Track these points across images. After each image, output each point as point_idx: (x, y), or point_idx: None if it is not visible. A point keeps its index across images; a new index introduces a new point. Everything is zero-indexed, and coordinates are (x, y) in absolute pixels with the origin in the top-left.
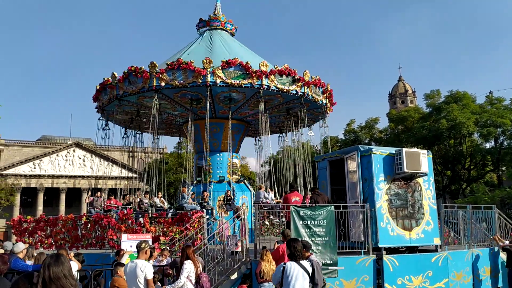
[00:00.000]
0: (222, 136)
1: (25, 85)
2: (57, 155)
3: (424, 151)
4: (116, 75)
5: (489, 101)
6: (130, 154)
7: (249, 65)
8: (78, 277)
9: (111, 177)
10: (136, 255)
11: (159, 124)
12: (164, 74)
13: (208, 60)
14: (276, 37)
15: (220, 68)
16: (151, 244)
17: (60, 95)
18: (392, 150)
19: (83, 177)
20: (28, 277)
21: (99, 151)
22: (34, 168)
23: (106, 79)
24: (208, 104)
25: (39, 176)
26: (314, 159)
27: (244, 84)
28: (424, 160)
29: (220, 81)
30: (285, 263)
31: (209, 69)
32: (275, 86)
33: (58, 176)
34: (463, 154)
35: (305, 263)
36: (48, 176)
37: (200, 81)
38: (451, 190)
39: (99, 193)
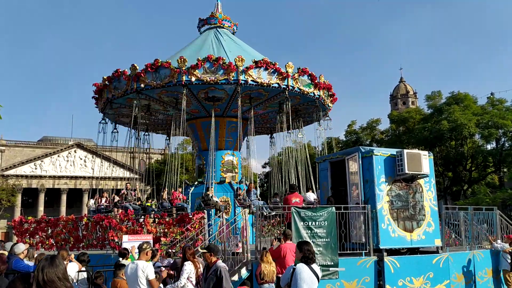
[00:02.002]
0: (237, 135)
1: (26, 86)
2: (58, 156)
3: (425, 152)
4: (175, 61)
5: (490, 102)
6: (132, 154)
7: (315, 75)
8: (80, 278)
9: (112, 178)
10: (137, 256)
11: (160, 123)
12: (251, 70)
13: (290, 65)
14: (276, 37)
15: (297, 74)
16: (152, 245)
17: (61, 96)
18: (393, 151)
19: (84, 177)
20: (25, 277)
21: (100, 152)
22: (35, 168)
23: (158, 60)
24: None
25: (40, 177)
26: (315, 160)
27: (309, 92)
28: (425, 161)
29: (297, 87)
30: (295, 265)
31: (290, 74)
32: (323, 99)
33: (59, 177)
34: (465, 155)
35: (315, 267)
36: (49, 176)
37: (284, 84)
38: (452, 192)
39: (128, 185)
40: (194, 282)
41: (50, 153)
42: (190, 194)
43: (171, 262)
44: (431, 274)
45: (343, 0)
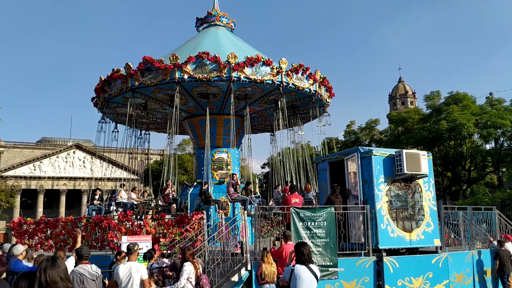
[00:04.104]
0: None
1: (25, 87)
2: (57, 157)
3: (424, 152)
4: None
5: (489, 102)
6: (131, 155)
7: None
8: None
9: (111, 179)
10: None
11: (159, 122)
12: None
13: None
14: (275, 38)
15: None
16: (150, 246)
17: (60, 97)
18: (392, 151)
19: (83, 178)
20: (29, 275)
21: (99, 153)
22: (34, 169)
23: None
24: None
25: (39, 178)
26: (314, 160)
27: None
28: (424, 161)
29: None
30: (293, 266)
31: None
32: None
33: (58, 178)
34: (463, 155)
35: (314, 267)
36: (48, 177)
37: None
38: (452, 191)
39: (236, 175)
40: (193, 283)
41: (49, 154)
42: (189, 195)
43: (167, 263)
44: (430, 274)
45: None
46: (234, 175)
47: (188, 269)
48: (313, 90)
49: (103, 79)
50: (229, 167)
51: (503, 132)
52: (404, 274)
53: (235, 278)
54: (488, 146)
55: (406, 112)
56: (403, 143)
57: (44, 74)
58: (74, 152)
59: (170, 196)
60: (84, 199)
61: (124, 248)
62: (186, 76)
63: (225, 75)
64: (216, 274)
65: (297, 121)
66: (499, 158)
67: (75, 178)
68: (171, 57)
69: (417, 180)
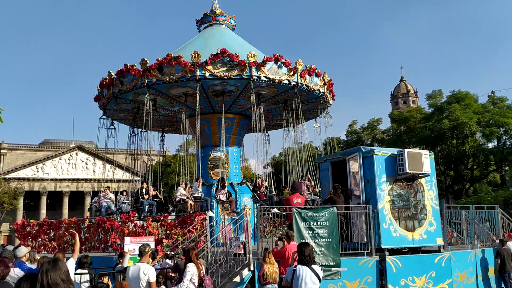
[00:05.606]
0: (231, 131)
1: (27, 88)
2: (60, 159)
3: (426, 151)
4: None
5: (491, 100)
6: (133, 156)
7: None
8: (83, 280)
9: (114, 180)
10: (138, 257)
11: (161, 121)
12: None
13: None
14: (276, 38)
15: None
16: (153, 247)
17: (62, 99)
18: (394, 151)
19: (86, 180)
20: (31, 277)
21: (101, 154)
22: (37, 171)
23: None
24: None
25: (42, 180)
26: (316, 160)
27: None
28: (426, 160)
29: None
30: (295, 266)
31: (300, 70)
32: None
33: (61, 180)
34: (466, 154)
35: (316, 268)
36: (51, 179)
37: (294, 80)
38: (454, 190)
39: (308, 176)
40: (196, 284)
41: (51, 156)
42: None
43: (170, 264)
44: (433, 273)
45: None
46: (307, 176)
47: (192, 270)
48: (322, 92)
49: (148, 63)
50: (226, 166)
51: (506, 131)
52: (407, 273)
53: (237, 278)
54: (490, 145)
55: (408, 111)
56: (405, 142)
57: (45, 75)
58: (76, 154)
59: (266, 193)
60: (87, 200)
61: (127, 249)
62: (262, 76)
63: (293, 81)
64: (219, 274)
65: (299, 121)
66: (502, 157)
67: (78, 180)
68: (249, 54)
69: (419, 179)
